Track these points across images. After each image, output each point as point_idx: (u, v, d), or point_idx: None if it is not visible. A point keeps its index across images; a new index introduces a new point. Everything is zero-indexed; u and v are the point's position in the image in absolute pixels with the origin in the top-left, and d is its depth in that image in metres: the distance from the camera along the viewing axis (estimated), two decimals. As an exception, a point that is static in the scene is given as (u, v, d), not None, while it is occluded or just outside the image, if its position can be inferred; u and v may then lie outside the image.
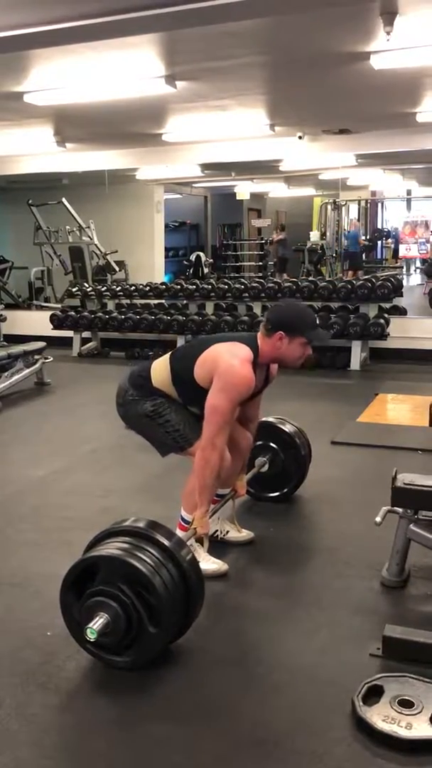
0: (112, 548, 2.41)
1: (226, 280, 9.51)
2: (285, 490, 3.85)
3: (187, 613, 2.43)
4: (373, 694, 2.16)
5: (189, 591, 2.40)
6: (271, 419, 3.82)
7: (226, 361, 2.84)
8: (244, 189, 13.07)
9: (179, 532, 2.95)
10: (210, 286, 9.03)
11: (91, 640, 2.27)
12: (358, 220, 14.15)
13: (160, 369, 3.06)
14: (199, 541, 2.98)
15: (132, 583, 2.31)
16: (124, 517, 2.59)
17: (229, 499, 3.31)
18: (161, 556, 2.37)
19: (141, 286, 9.62)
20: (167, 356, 3.11)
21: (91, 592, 2.34)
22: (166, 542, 2.42)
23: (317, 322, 3.00)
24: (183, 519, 3.12)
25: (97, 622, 2.26)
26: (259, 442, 3.67)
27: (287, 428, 3.83)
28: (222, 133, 7.75)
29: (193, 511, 3.00)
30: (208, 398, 2.85)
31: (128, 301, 9.51)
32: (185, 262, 13.20)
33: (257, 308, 8.66)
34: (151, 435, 3.13)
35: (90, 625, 2.26)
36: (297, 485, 3.87)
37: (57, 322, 9.16)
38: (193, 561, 2.48)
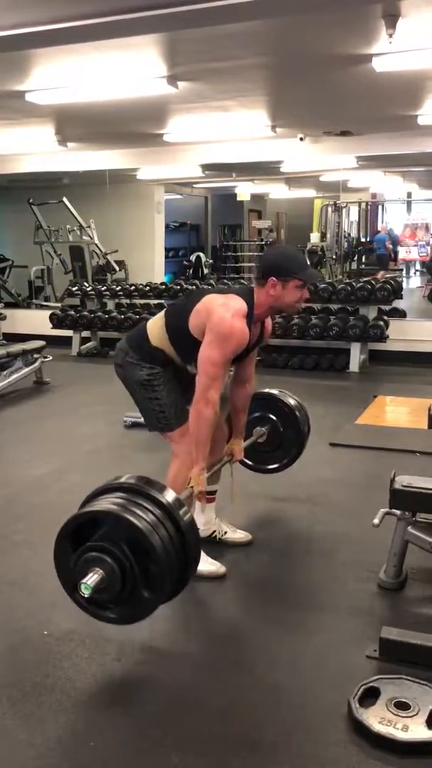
0: (113, 505, 2.32)
1: (225, 281, 9.52)
2: (285, 461, 3.82)
3: (182, 574, 2.34)
4: (370, 696, 2.16)
5: (186, 552, 2.32)
6: (273, 391, 3.79)
7: (219, 313, 2.79)
8: (244, 190, 13.07)
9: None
10: (210, 287, 9.03)
11: (86, 596, 2.19)
12: (383, 223, 14.25)
13: (157, 326, 3.01)
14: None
15: (131, 543, 2.23)
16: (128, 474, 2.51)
17: (226, 462, 3.26)
18: (161, 516, 2.29)
19: (141, 286, 9.62)
20: (162, 313, 3.07)
21: (89, 546, 2.25)
22: (167, 502, 2.33)
23: (308, 262, 2.94)
24: None
25: (92, 578, 2.18)
26: (258, 414, 3.64)
27: (288, 401, 3.79)
28: (223, 134, 7.75)
29: None
30: (200, 350, 2.80)
31: (128, 301, 9.51)
32: (185, 263, 13.20)
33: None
34: (140, 404, 3.10)
35: (84, 580, 2.18)
36: (294, 458, 3.83)
37: (56, 322, 9.16)
38: (191, 521, 2.39)
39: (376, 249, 14.17)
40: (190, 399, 2.92)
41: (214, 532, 3.34)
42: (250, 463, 3.77)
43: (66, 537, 2.33)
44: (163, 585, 2.27)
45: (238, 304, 2.83)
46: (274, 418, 3.73)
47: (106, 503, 2.34)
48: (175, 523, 2.31)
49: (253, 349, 3.10)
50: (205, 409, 2.79)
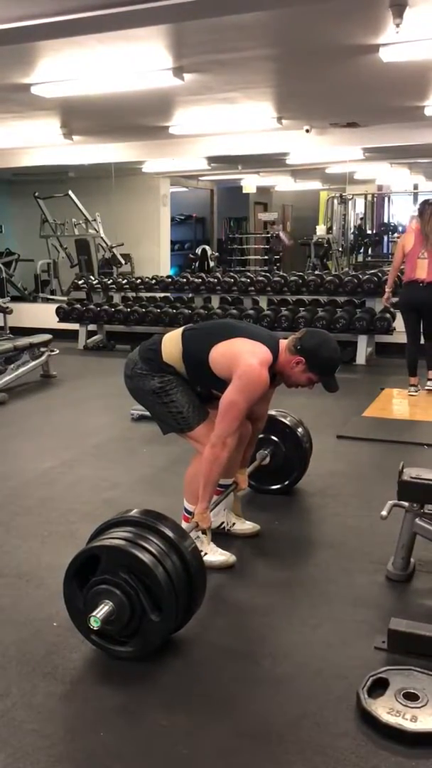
0: (114, 538, 2.41)
1: (231, 274, 9.51)
2: (287, 483, 3.86)
3: (189, 603, 2.43)
4: (379, 687, 2.17)
5: (191, 581, 2.40)
6: (272, 412, 3.80)
7: (247, 361, 2.83)
8: (250, 182, 13.04)
9: (183, 524, 2.96)
10: (216, 280, 9.03)
11: (95, 628, 2.28)
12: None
13: (172, 344, 3.02)
14: (204, 533, 2.99)
15: (134, 571, 2.31)
16: (128, 508, 2.60)
17: (230, 491, 3.31)
18: (164, 546, 2.37)
19: (147, 279, 9.63)
20: (179, 332, 3.08)
21: (94, 581, 2.34)
22: (168, 532, 2.42)
23: (338, 367, 3.03)
24: (186, 510, 3.12)
25: (101, 610, 2.26)
26: (261, 435, 3.66)
27: (288, 421, 3.83)
28: (229, 126, 7.72)
29: (195, 502, 3.01)
30: (225, 395, 2.84)
31: (134, 294, 9.52)
32: (191, 256, 13.16)
33: (263, 302, 8.65)
34: (154, 411, 3.13)
35: (94, 613, 2.26)
36: (298, 477, 3.88)
37: (63, 315, 9.18)
38: (195, 552, 2.49)
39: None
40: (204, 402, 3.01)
41: (223, 523, 3.35)
42: (254, 483, 3.77)
43: (73, 575, 2.42)
44: (170, 609, 2.32)
45: (264, 354, 2.88)
46: (275, 439, 3.78)
47: (112, 538, 2.42)
48: (178, 551, 2.39)
49: (267, 391, 3.10)
50: (221, 452, 2.84)
